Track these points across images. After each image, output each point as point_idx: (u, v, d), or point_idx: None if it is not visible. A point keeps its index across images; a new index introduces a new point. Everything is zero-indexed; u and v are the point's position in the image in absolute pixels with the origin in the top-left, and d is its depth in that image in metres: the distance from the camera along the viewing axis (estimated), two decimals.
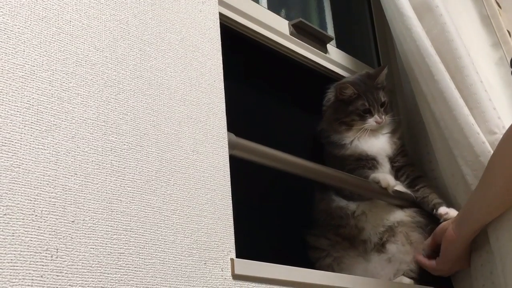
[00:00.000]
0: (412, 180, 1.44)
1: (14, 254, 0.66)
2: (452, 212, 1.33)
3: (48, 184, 0.72)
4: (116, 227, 0.77)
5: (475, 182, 1.30)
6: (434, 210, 1.36)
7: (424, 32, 1.39)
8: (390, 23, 1.49)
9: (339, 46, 1.67)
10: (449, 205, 1.38)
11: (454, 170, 1.37)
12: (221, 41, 1.05)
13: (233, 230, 0.94)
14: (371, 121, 1.41)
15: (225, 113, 1.01)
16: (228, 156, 0.99)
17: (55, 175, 0.73)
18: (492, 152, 1.29)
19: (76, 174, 0.75)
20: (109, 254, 0.75)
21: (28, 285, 0.66)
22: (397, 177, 1.43)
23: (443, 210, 1.35)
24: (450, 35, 1.39)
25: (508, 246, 1.21)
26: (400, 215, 1.39)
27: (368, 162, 1.40)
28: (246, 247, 0.97)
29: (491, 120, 1.33)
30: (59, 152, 0.74)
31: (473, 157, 1.31)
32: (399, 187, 1.41)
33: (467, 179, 1.32)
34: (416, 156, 1.55)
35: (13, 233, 0.67)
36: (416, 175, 1.45)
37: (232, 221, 0.94)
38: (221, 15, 1.17)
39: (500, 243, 1.23)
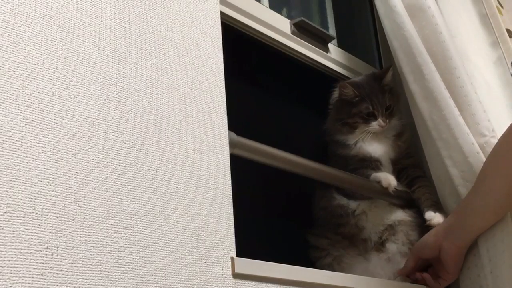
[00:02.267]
0: (411, 180, 1.43)
1: (15, 252, 0.66)
2: (436, 219, 1.30)
3: (48, 182, 0.72)
4: (117, 225, 0.77)
5: (462, 183, 1.29)
6: (423, 214, 1.35)
7: (416, 31, 1.39)
8: (382, 20, 1.49)
9: (340, 45, 1.67)
10: (438, 207, 1.36)
11: (441, 171, 1.36)
12: (222, 40, 1.05)
13: (234, 229, 0.94)
14: (375, 125, 1.40)
15: (226, 112, 1.01)
16: (228, 155, 0.99)
17: (56, 173, 0.73)
18: (480, 153, 1.28)
19: (76, 172, 0.75)
20: (109, 253, 0.75)
21: (28, 283, 0.66)
22: (398, 178, 1.42)
23: (428, 215, 1.33)
24: (442, 36, 1.39)
25: (499, 247, 1.21)
26: (400, 215, 1.38)
27: (371, 163, 1.40)
28: (246, 246, 0.97)
29: (481, 122, 1.32)
30: (59, 151, 0.74)
31: (461, 158, 1.30)
32: (400, 187, 1.41)
33: (454, 180, 1.31)
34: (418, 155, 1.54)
35: (13, 231, 0.67)
36: (416, 175, 1.44)
37: (233, 220, 0.94)
38: (222, 14, 1.17)
39: (489, 244, 1.23)
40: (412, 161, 1.46)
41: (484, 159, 1.28)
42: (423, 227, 1.35)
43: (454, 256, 1.26)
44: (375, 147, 1.41)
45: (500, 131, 1.33)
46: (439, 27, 1.40)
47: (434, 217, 1.32)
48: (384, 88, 1.44)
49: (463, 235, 1.25)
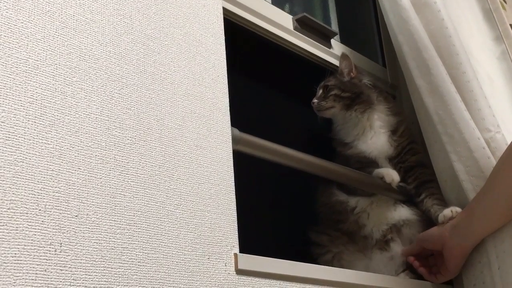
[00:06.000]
0: (419, 184, 1.40)
1: (18, 248, 0.66)
2: (448, 216, 1.27)
3: (51, 179, 0.72)
4: (120, 221, 0.77)
5: (467, 178, 1.28)
6: (435, 220, 1.31)
7: (422, 26, 1.39)
8: (386, 15, 1.48)
9: (343, 41, 1.67)
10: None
11: (444, 166, 1.36)
12: (225, 35, 1.05)
13: (237, 225, 0.94)
14: None
15: (228, 108, 1.01)
16: (231, 151, 0.98)
17: (59, 169, 0.73)
18: (486, 148, 1.27)
19: (79, 168, 0.75)
20: (112, 249, 0.75)
21: (32, 279, 0.66)
22: (405, 179, 1.40)
23: (440, 219, 1.28)
24: (448, 31, 1.39)
25: (508, 243, 1.20)
26: (406, 214, 1.37)
27: (368, 164, 1.39)
28: (249, 242, 0.97)
29: (487, 118, 1.32)
30: (62, 147, 0.74)
31: (467, 153, 1.29)
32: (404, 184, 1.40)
33: (459, 175, 1.30)
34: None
35: (16, 228, 0.67)
36: (424, 179, 1.40)
37: (236, 216, 0.94)
38: (225, 10, 1.17)
39: (497, 240, 1.22)
40: (418, 158, 1.43)
41: (490, 154, 1.27)
42: (430, 226, 1.34)
43: (457, 255, 1.26)
44: (369, 145, 1.41)
45: (503, 126, 1.32)
46: (445, 22, 1.39)
47: (445, 216, 1.27)
48: (336, 75, 1.48)
49: (469, 236, 1.24)
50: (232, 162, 0.98)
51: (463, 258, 1.27)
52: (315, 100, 1.44)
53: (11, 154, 0.69)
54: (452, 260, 1.26)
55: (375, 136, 1.42)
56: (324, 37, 1.55)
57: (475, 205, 1.23)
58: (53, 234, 0.70)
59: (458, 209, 1.27)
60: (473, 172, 1.28)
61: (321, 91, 1.46)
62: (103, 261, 0.74)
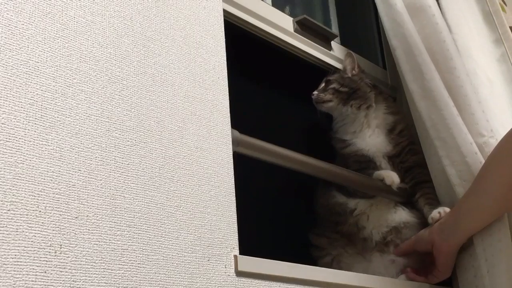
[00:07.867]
0: (415, 184, 1.41)
1: (18, 249, 0.66)
2: (437, 216, 1.29)
3: (52, 180, 0.72)
4: (120, 223, 0.77)
5: (459, 182, 1.29)
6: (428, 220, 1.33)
7: (416, 30, 1.39)
8: (382, 18, 1.49)
9: (343, 43, 1.67)
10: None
11: (437, 170, 1.36)
12: (225, 38, 1.05)
13: (237, 226, 0.94)
14: None
15: (229, 110, 1.01)
16: (232, 153, 0.99)
17: (59, 171, 0.73)
18: (478, 153, 1.28)
19: (80, 170, 0.75)
20: (112, 250, 0.76)
21: (32, 281, 0.66)
22: (403, 178, 1.40)
23: (429, 219, 1.31)
24: (443, 36, 1.39)
25: (497, 247, 1.20)
26: (406, 216, 1.37)
27: (367, 163, 1.39)
28: (249, 244, 0.97)
29: (480, 122, 1.32)
30: (63, 148, 0.74)
31: (459, 158, 1.29)
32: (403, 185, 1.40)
33: (451, 180, 1.30)
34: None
35: (17, 229, 0.67)
36: (420, 179, 1.41)
37: (236, 218, 0.94)
38: (225, 12, 1.17)
39: (486, 244, 1.22)
40: (417, 159, 1.44)
41: (482, 159, 1.28)
42: None
43: (444, 253, 1.26)
44: (367, 143, 1.41)
45: (502, 129, 1.33)
46: (439, 26, 1.40)
47: (433, 218, 1.30)
48: (339, 72, 1.50)
49: (456, 233, 1.25)
50: (232, 164, 0.98)
51: (452, 257, 1.27)
52: (315, 92, 1.46)
53: (12, 156, 0.69)
54: (440, 258, 1.27)
55: (373, 134, 1.43)
56: (324, 39, 1.55)
57: (461, 203, 1.25)
58: (53, 236, 0.70)
59: (447, 209, 1.29)
60: (465, 177, 1.28)
61: (323, 84, 1.48)
62: (103, 263, 0.74)
